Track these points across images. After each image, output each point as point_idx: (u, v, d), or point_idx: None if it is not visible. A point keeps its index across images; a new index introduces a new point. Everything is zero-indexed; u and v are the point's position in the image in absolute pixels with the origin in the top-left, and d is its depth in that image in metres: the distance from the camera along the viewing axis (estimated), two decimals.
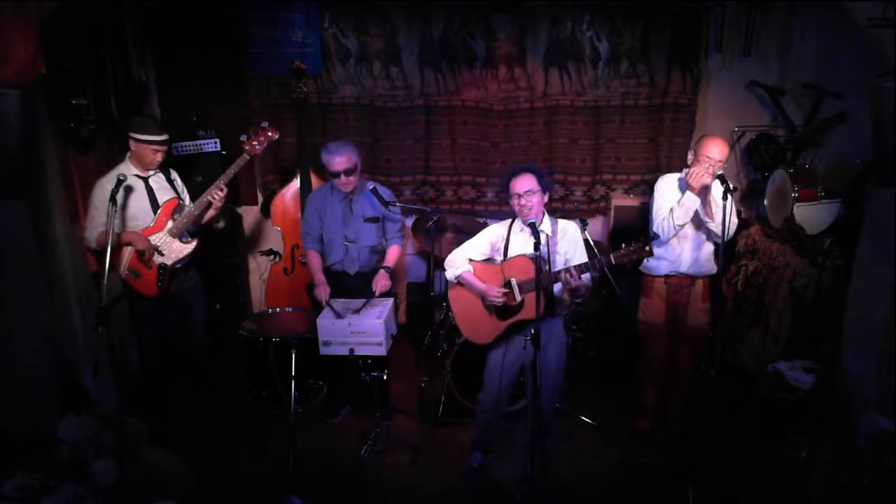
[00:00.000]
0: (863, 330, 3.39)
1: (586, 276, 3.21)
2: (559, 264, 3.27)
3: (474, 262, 3.38)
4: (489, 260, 3.41)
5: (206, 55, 4.81)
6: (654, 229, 3.58)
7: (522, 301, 3.27)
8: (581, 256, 3.35)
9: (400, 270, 4.78)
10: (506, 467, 3.64)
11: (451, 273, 3.39)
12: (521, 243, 3.34)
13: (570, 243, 3.34)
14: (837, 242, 3.91)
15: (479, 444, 3.66)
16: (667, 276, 3.68)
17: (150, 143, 3.63)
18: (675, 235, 3.55)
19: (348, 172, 3.76)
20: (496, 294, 3.27)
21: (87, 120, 3.93)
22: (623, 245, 3.08)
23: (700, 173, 3.35)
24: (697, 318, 3.69)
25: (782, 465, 3.48)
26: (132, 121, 3.74)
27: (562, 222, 3.36)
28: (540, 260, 2.94)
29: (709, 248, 3.63)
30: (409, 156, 5.11)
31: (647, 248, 3.06)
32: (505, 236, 3.39)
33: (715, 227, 3.43)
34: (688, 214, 3.45)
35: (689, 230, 3.58)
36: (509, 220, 3.42)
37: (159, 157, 3.70)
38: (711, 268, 3.64)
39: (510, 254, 3.35)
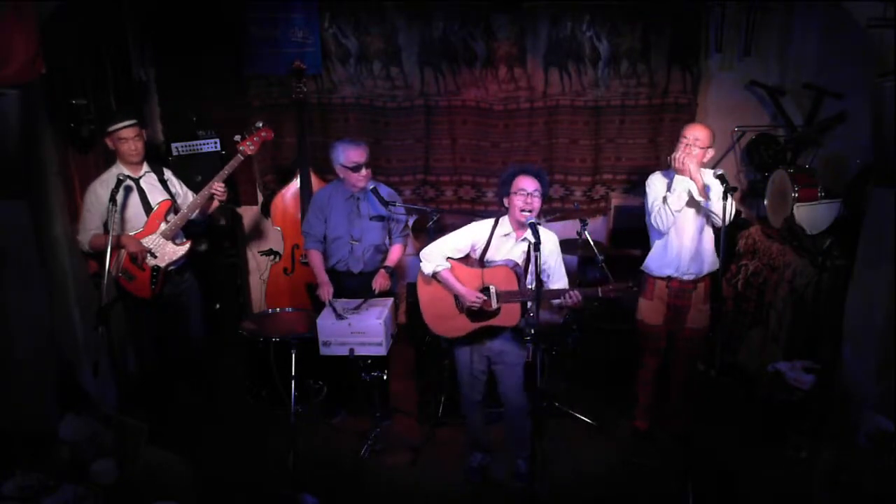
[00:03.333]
0: (863, 330, 3.39)
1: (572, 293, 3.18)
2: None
3: (452, 259, 3.32)
4: (467, 259, 3.35)
5: (206, 55, 4.80)
6: (652, 222, 3.59)
7: (499, 309, 3.25)
8: (561, 269, 3.33)
9: (400, 270, 4.77)
10: (506, 467, 3.64)
11: (428, 267, 3.31)
12: (504, 247, 3.29)
13: (548, 252, 3.23)
14: (837, 242, 3.91)
15: (472, 444, 3.66)
16: (668, 278, 3.66)
17: (115, 133, 3.58)
18: (673, 223, 3.53)
19: (367, 165, 3.77)
20: (474, 300, 3.23)
21: (87, 120, 3.92)
22: (611, 284, 3.16)
23: (681, 154, 3.44)
24: (697, 320, 3.69)
25: (782, 465, 3.48)
26: (105, 120, 3.71)
27: (543, 232, 3.17)
28: (539, 258, 2.93)
29: (708, 237, 3.61)
30: (409, 156, 5.11)
31: (636, 289, 3.15)
32: (487, 238, 3.31)
33: (711, 205, 3.46)
34: (681, 198, 3.47)
35: (686, 222, 3.57)
36: (492, 221, 3.33)
37: (132, 146, 3.61)
38: (714, 263, 3.63)
39: (489, 256, 3.30)
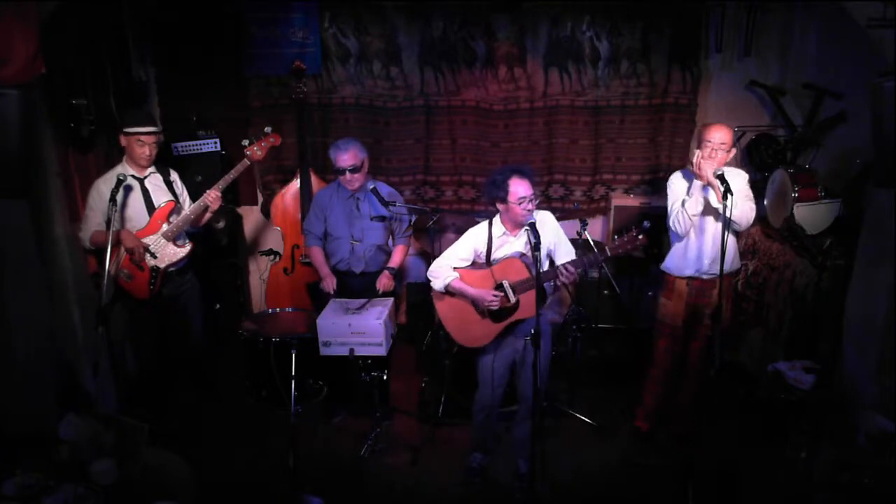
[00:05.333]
0: (863, 330, 3.39)
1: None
2: (544, 255, 3.24)
3: (459, 269, 3.34)
4: (472, 264, 3.37)
5: (206, 55, 4.80)
6: (671, 224, 3.56)
7: (517, 302, 3.26)
8: (566, 242, 3.35)
9: (401, 271, 4.77)
10: (506, 467, 3.65)
11: (438, 284, 3.33)
12: (505, 245, 3.31)
13: (550, 231, 3.28)
14: (837, 242, 3.91)
15: (477, 445, 3.67)
16: (690, 277, 3.64)
17: (135, 135, 3.58)
18: (691, 227, 3.51)
19: (354, 170, 3.76)
20: (491, 299, 3.24)
21: (87, 120, 3.92)
22: (616, 237, 3.09)
23: (698, 157, 3.38)
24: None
25: (782, 465, 3.48)
26: (126, 115, 3.71)
27: (537, 213, 3.26)
28: (539, 258, 2.94)
29: (731, 240, 3.54)
30: (409, 156, 5.11)
31: (641, 237, 3.07)
32: (486, 240, 3.32)
33: (729, 211, 3.28)
34: (699, 203, 3.43)
35: (707, 223, 3.55)
36: (486, 223, 3.35)
37: (147, 151, 3.62)
38: (734, 263, 3.63)
39: (494, 257, 3.32)
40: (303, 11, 4.75)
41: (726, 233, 3.14)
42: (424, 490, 3.57)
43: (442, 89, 4.94)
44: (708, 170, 3.35)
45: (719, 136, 3.40)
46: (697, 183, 3.42)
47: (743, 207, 3.40)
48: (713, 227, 3.55)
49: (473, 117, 5.01)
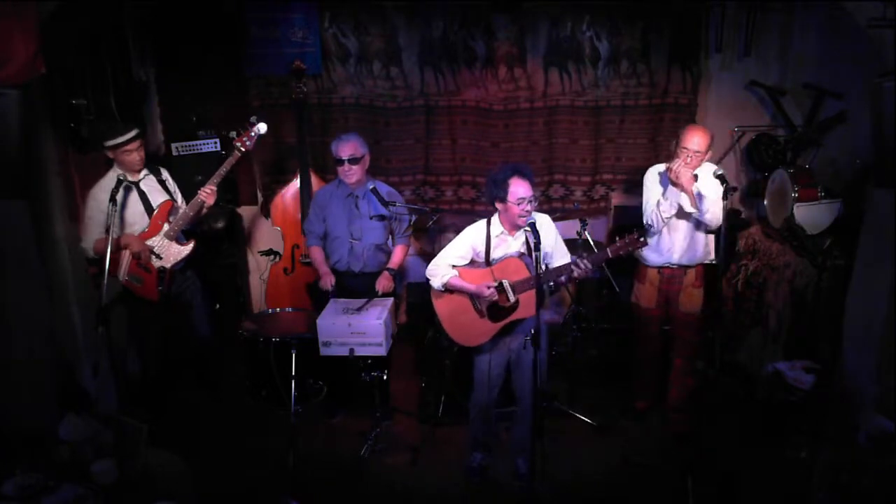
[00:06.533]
0: (863, 330, 3.39)
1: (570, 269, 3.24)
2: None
3: (458, 267, 3.35)
4: (472, 263, 3.38)
5: (206, 55, 4.80)
6: (645, 221, 3.66)
7: (516, 301, 3.26)
8: (562, 247, 3.37)
9: (401, 271, 4.77)
10: (505, 467, 3.65)
11: (437, 282, 3.34)
12: (503, 245, 3.32)
13: (548, 235, 3.28)
14: (837, 242, 3.91)
15: (475, 444, 3.67)
16: (660, 266, 3.74)
17: (119, 147, 3.57)
18: (664, 226, 3.60)
19: (352, 160, 3.78)
20: (486, 291, 3.24)
21: (87, 120, 3.93)
22: (617, 238, 3.12)
23: (679, 165, 3.42)
24: (689, 303, 3.76)
25: (782, 465, 3.48)
26: (101, 132, 3.70)
27: (535, 216, 3.25)
28: (539, 258, 2.94)
29: (700, 237, 3.67)
30: (409, 156, 5.11)
31: (642, 239, 3.10)
32: (484, 239, 3.33)
33: (701, 216, 3.51)
34: (673, 206, 3.52)
35: (680, 221, 3.63)
36: (484, 222, 3.35)
37: (137, 157, 3.63)
38: (707, 254, 3.71)
39: (492, 256, 3.32)
40: (303, 11, 4.75)
41: (723, 228, 3.21)
42: (424, 490, 3.57)
43: (442, 89, 4.94)
44: (684, 177, 3.40)
45: (696, 142, 3.43)
46: (673, 189, 3.48)
47: (714, 210, 3.50)
48: (685, 225, 3.65)
49: (473, 117, 5.00)
